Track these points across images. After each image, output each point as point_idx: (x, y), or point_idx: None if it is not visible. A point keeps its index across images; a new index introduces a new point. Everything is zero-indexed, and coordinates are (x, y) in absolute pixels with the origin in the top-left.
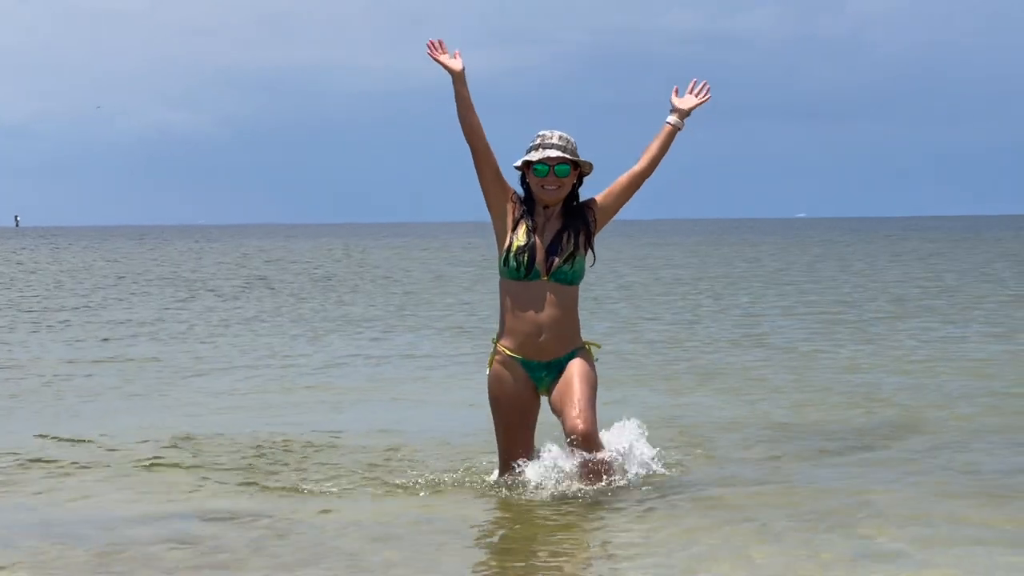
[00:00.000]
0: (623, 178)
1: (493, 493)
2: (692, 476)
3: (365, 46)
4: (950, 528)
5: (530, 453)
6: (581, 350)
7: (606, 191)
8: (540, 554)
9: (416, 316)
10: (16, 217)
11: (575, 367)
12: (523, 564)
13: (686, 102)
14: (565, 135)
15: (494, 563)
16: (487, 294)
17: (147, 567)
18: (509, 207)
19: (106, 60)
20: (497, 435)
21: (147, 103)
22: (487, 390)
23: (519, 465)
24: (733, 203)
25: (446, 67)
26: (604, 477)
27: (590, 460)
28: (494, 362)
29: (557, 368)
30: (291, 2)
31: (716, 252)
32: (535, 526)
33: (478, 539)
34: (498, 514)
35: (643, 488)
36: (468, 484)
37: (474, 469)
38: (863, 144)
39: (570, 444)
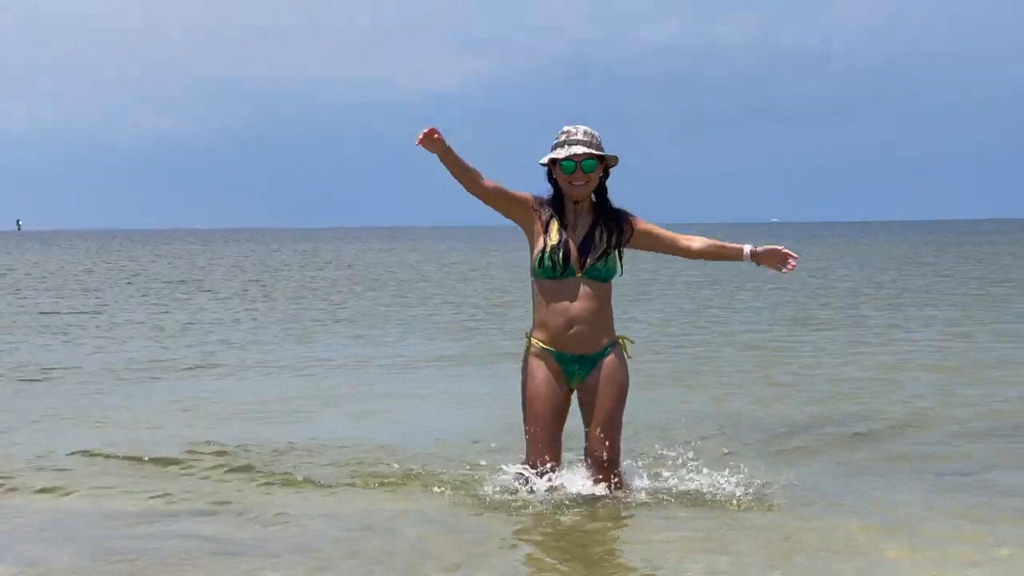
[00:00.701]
0: (669, 236)
1: (490, 491)
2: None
3: (351, 59)
4: (911, 515)
5: (558, 445)
6: (615, 346)
7: (650, 227)
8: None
9: (407, 315)
10: (18, 221)
11: (608, 381)
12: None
13: (769, 259)
14: (590, 130)
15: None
16: (471, 295)
17: (155, 559)
18: (534, 215)
19: (105, 72)
20: (526, 425)
21: (142, 112)
22: (520, 382)
23: (543, 462)
24: (712, 208)
25: (429, 151)
26: (612, 488)
27: (604, 480)
28: (528, 355)
29: (590, 363)
30: (280, 17)
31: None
32: (538, 522)
33: (475, 532)
34: (493, 510)
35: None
36: (463, 479)
37: (470, 464)
38: (831, 149)
39: (589, 464)
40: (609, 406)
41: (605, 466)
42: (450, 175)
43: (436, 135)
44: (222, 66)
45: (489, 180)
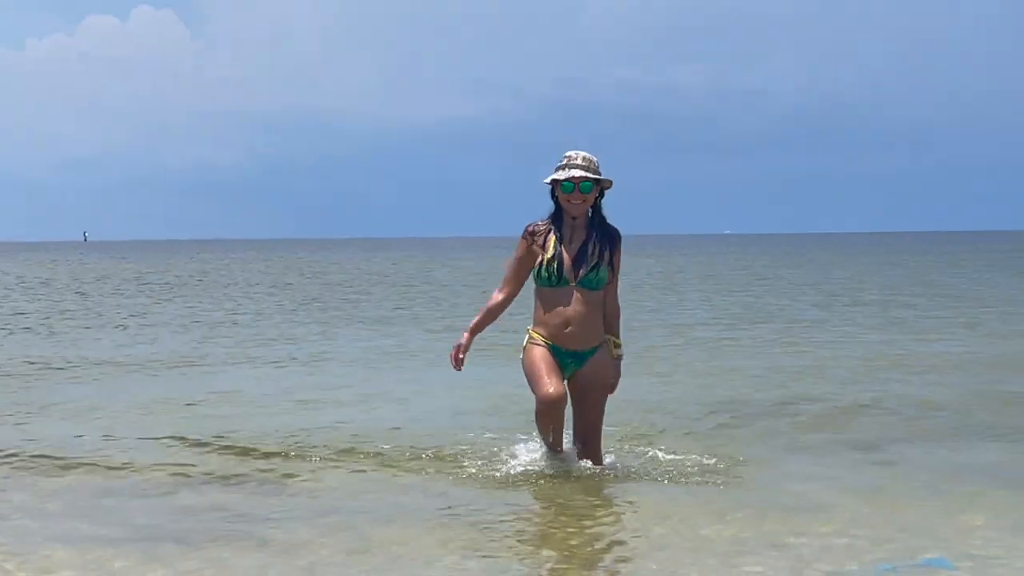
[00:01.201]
0: (613, 288)
1: (482, 464)
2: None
3: (365, 95)
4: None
5: (561, 379)
6: (603, 346)
7: (616, 265)
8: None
9: (413, 315)
10: (85, 233)
11: (596, 379)
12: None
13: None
14: (588, 156)
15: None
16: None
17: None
18: (536, 248)
19: (157, 105)
20: (529, 377)
21: (188, 142)
22: (522, 364)
23: (551, 389)
24: (674, 221)
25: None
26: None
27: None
28: (528, 344)
29: (582, 358)
30: (301, 60)
31: (673, 260)
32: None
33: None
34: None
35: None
36: (455, 462)
37: (465, 450)
38: (773, 172)
39: (578, 445)
40: (596, 400)
41: (590, 447)
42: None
43: (460, 357)
44: (254, 102)
45: (501, 289)
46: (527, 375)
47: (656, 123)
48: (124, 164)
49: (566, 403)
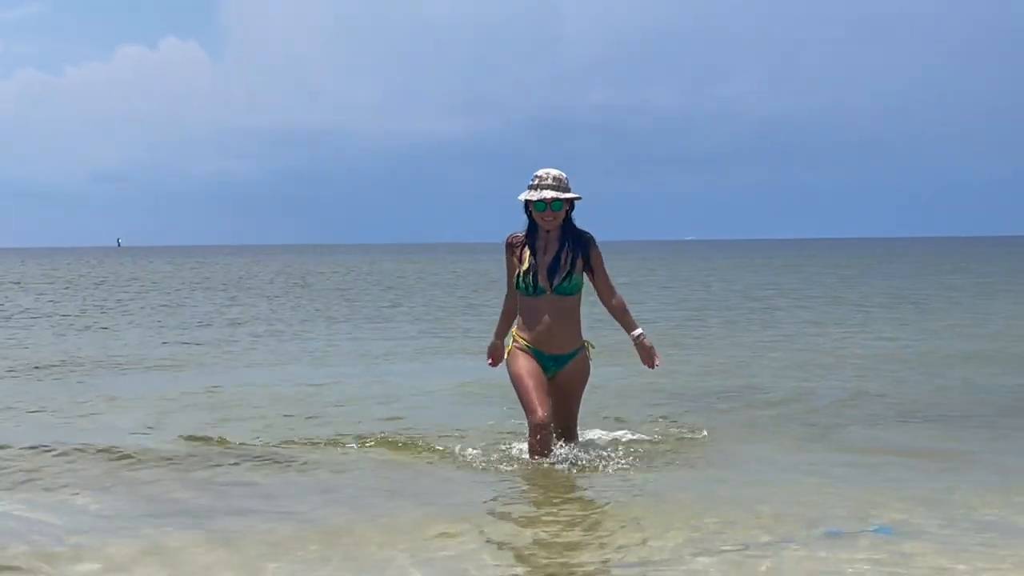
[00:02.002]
0: (606, 282)
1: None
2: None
3: (368, 113)
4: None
5: (547, 398)
6: (581, 351)
7: (599, 263)
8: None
9: (408, 312)
10: (118, 239)
11: (574, 377)
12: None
13: (642, 352)
14: (559, 175)
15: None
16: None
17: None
18: (515, 259)
19: (181, 123)
20: (520, 398)
21: (209, 155)
22: (508, 370)
23: (539, 410)
24: (641, 227)
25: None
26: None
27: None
28: (513, 348)
29: (562, 362)
30: (312, 80)
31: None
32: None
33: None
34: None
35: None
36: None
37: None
38: (738, 184)
39: (559, 433)
40: (574, 398)
41: (569, 432)
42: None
43: (496, 356)
44: (267, 119)
45: (509, 298)
46: (516, 390)
47: (628, 139)
48: (152, 176)
49: (552, 422)
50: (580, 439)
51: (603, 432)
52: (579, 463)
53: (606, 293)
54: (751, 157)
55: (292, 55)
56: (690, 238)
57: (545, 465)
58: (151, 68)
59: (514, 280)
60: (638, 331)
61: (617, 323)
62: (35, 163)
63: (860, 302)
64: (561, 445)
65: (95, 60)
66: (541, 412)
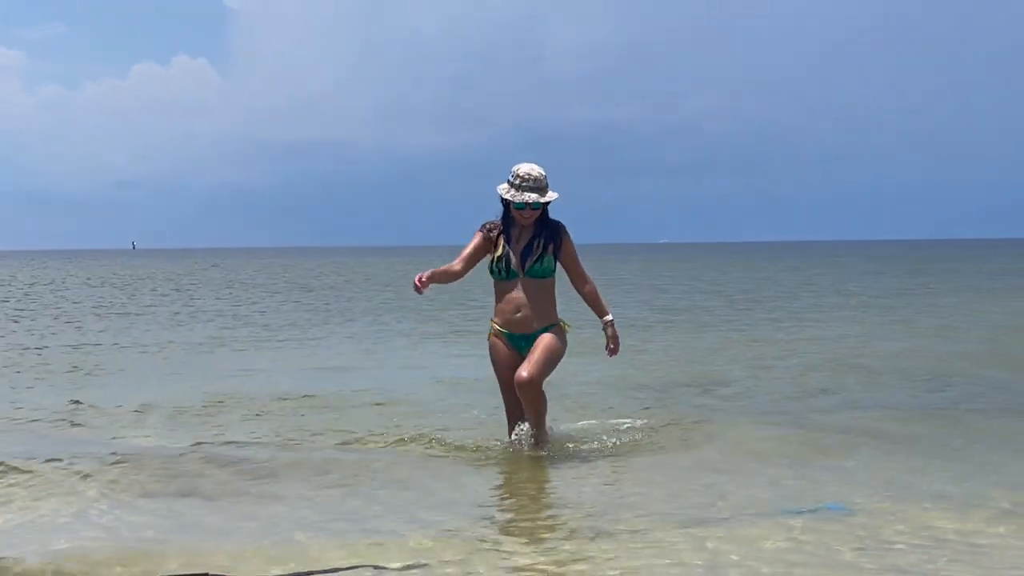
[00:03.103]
0: (578, 269)
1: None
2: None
3: (366, 128)
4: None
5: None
6: (554, 326)
7: (571, 252)
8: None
9: (401, 310)
10: (133, 242)
11: (543, 338)
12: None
13: (611, 338)
14: (539, 175)
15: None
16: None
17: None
18: (489, 243)
19: (191, 135)
20: (501, 389)
21: (212, 165)
22: (490, 358)
23: (513, 411)
24: (617, 232)
25: (424, 291)
26: (542, 440)
27: (533, 429)
28: (490, 335)
29: (533, 339)
30: (313, 97)
31: (622, 266)
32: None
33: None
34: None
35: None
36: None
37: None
38: (706, 192)
39: (517, 387)
40: (540, 351)
41: (526, 383)
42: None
43: (423, 281)
44: (270, 132)
45: (458, 262)
46: (498, 379)
47: (605, 150)
48: (163, 184)
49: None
50: (554, 431)
51: (572, 424)
52: (548, 451)
53: (579, 280)
54: (718, 167)
55: (293, 72)
56: (664, 241)
57: (523, 450)
58: (164, 83)
59: (487, 266)
60: (608, 317)
61: (590, 310)
62: (55, 171)
63: (815, 300)
64: (524, 427)
65: (112, 76)
66: (513, 411)
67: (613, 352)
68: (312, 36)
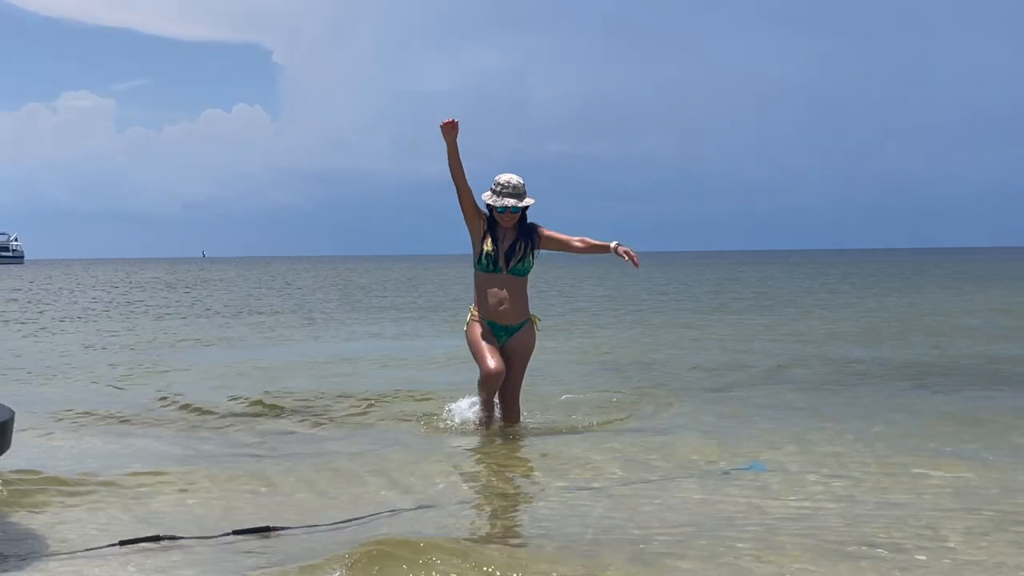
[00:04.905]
0: (563, 237)
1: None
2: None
3: (387, 159)
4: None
5: (499, 361)
6: (527, 322)
7: (551, 234)
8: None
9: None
10: (203, 251)
11: (520, 347)
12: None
13: (624, 253)
14: (518, 182)
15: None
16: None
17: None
18: (479, 224)
19: (247, 165)
20: (473, 352)
21: (265, 189)
22: (465, 337)
23: (491, 367)
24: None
25: (445, 136)
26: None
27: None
28: (470, 320)
29: (511, 331)
30: (344, 134)
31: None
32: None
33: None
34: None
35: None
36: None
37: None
38: (657, 212)
39: (503, 398)
40: (519, 365)
41: (512, 401)
42: (449, 163)
43: (456, 124)
44: (311, 163)
45: (467, 185)
46: (472, 351)
47: (576, 179)
48: (226, 204)
49: (503, 376)
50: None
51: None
52: (521, 428)
53: (571, 244)
54: (666, 193)
55: (329, 115)
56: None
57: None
58: (227, 125)
59: (474, 258)
60: (614, 243)
61: (596, 254)
62: (139, 196)
63: (737, 297)
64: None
65: (186, 120)
66: (492, 363)
67: (634, 261)
68: (343, 87)
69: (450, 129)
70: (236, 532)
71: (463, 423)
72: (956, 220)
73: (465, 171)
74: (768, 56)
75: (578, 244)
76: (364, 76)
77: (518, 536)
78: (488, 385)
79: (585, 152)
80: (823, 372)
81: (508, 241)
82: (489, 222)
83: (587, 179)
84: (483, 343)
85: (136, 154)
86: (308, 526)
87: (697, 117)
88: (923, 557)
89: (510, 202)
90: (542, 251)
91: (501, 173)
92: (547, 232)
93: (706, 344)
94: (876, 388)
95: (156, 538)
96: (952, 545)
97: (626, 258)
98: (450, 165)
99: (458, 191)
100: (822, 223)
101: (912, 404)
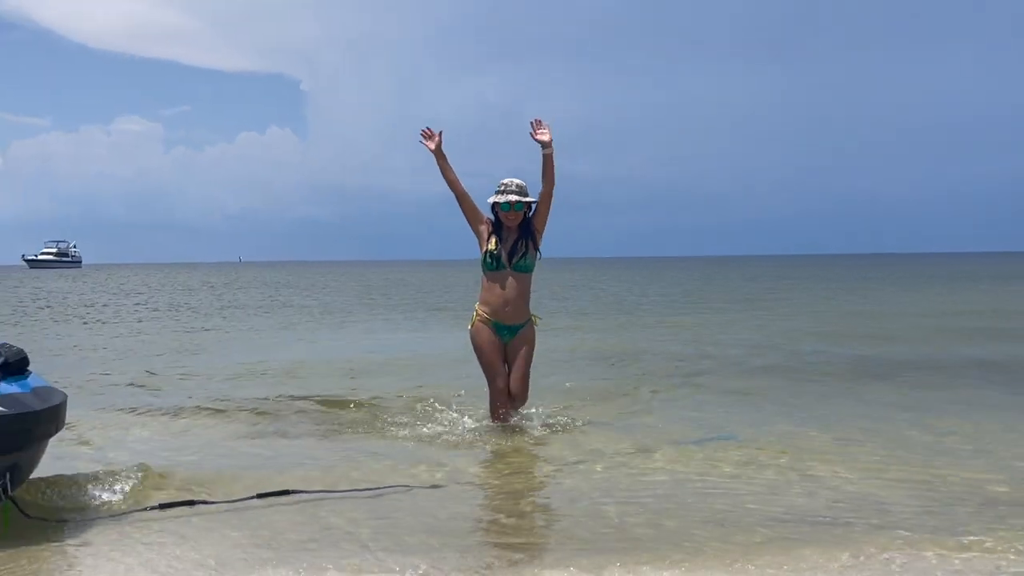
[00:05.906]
0: (540, 204)
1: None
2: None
3: (401, 176)
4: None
5: (504, 371)
6: (529, 321)
7: (536, 214)
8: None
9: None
10: (239, 256)
11: (524, 343)
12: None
13: (543, 135)
14: (520, 183)
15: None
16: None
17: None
18: (483, 228)
19: (278, 183)
20: (484, 370)
21: (295, 203)
22: (471, 340)
23: (497, 381)
24: (573, 247)
25: (427, 147)
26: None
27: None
28: (475, 321)
29: (514, 331)
30: (365, 154)
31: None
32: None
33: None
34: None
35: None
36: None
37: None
38: (637, 221)
39: (510, 396)
40: (524, 363)
41: (517, 397)
42: (440, 170)
43: (437, 138)
44: (336, 179)
45: (462, 187)
46: (481, 365)
47: (567, 194)
48: (259, 216)
49: (508, 389)
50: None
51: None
52: (525, 423)
53: (544, 197)
54: (645, 206)
55: (350, 136)
56: (607, 256)
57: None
58: (261, 146)
59: (480, 257)
60: (543, 149)
61: (548, 173)
62: (183, 209)
63: (707, 298)
64: (513, 413)
65: (224, 141)
66: (500, 382)
67: (540, 124)
68: (363, 112)
69: (427, 139)
70: (260, 496)
71: (475, 422)
72: (902, 227)
73: (453, 173)
74: (738, 83)
75: (545, 186)
76: (380, 103)
77: (523, 515)
78: (497, 402)
79: (573, 171)
80: (785, 363)
81: (512, 240)
82: (495, 225)
83: (574, 193)
84: (490, 356)
85: (181, 171)
86: (324, 491)
87: (674, 138)
88: (876, 522)
89: (513, 197)
90: (544, 239)
91: (505, 178)
92: (535, 215)
93: (682, 336)
94: (829, 376)
95: (190, 502)
96: (896, 518)
97: (542, 127)
98: (441, 172)
99: (456, 196)
100: (786, 230)
101: (861, 391)
